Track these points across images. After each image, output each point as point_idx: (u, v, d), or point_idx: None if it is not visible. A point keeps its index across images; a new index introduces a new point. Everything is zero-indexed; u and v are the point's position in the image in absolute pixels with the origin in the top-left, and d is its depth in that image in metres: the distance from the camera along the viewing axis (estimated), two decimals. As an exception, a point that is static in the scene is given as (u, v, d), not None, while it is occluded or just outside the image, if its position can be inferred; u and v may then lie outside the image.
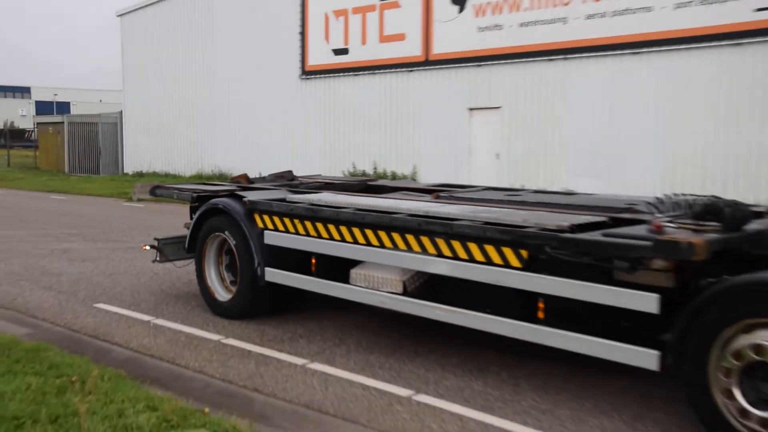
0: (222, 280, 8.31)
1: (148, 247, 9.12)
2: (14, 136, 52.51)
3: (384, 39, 22.71)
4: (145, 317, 8.15)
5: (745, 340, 4.62)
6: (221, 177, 25.20)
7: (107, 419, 4.71)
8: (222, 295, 8.21)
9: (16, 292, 9.51)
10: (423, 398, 5.66)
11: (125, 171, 32.24)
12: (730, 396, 4.68)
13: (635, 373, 5.51)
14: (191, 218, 8.75)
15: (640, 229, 5.33)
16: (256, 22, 26.37)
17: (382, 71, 22.87)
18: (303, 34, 25.02)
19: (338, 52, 24.07)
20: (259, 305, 7.96)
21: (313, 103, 24.95)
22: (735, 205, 5.31)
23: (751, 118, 15.75)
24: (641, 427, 5.17)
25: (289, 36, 25.35)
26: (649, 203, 6.12)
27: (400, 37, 22.24)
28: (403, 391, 5.79)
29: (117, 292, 9.44)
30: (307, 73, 25.09)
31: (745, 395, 4.64)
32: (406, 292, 6.58)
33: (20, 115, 71.26)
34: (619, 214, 6.14)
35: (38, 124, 42.94)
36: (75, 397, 5.05)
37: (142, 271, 10.73)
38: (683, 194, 5.88)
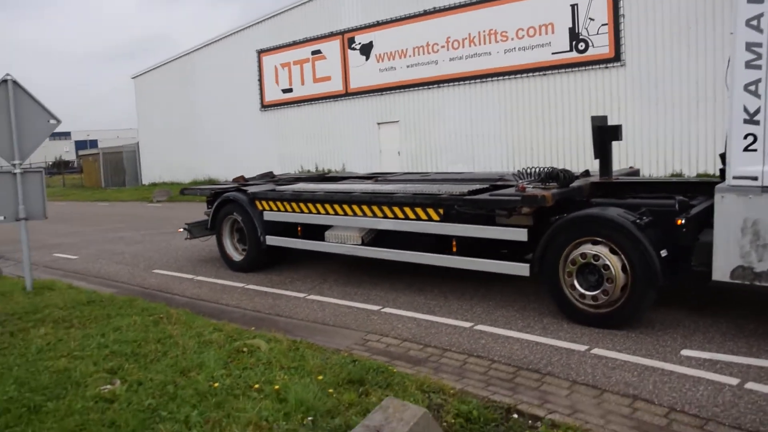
0: (235, 247, 8.26)
1: (181, 230, 8.96)
2: (63, 165, 52.32)
3: (317, 80, 22.43)
4: (189, 276, 8.08)
5: (577, 252, 4.99)
6: (211, 180, 24.44)
7: (193, 338, 4.80)
8: (236, 257, 8.18)
9: (98, 266, 9.31)
10: (388, 310, 5.81)
11: (143, 183, 31.06)
12: (573, 287, 5.05)
13: (514, 280, 5.85)
14: (209, 207, 8.62)
15: (510, 191, 5.67)
16: (228, 73, 25.64)
17: (316, 102, 22.59)
18: (260, 80, 24.46)
19: (285, 91, 23.62)
20: (263, 262, 7.97)
21: (270, 126, 24.43)
22: (564, 171, 5.62)
23: (552, 120, 16.50)
24: (527, 313, 5.45)
25: (251, 82, 24.71)
26: (513, 174, 6.45)
27: (327, 79, 22.03)
28: (374, 307, 5.94)
29: (165, 261, 9.29)
30: (265, 106, 24.55)
31: (581, 285, 5.02)
32: (363, 243, 6.74)
33: (65, 151, 69.08)
34: (495, 182, 6.47)
35: (81, 155, 42.33)
36: (167, 326, 5.10)
37: (177, 246, 10.51)
38: (532, 167, 6.19)
